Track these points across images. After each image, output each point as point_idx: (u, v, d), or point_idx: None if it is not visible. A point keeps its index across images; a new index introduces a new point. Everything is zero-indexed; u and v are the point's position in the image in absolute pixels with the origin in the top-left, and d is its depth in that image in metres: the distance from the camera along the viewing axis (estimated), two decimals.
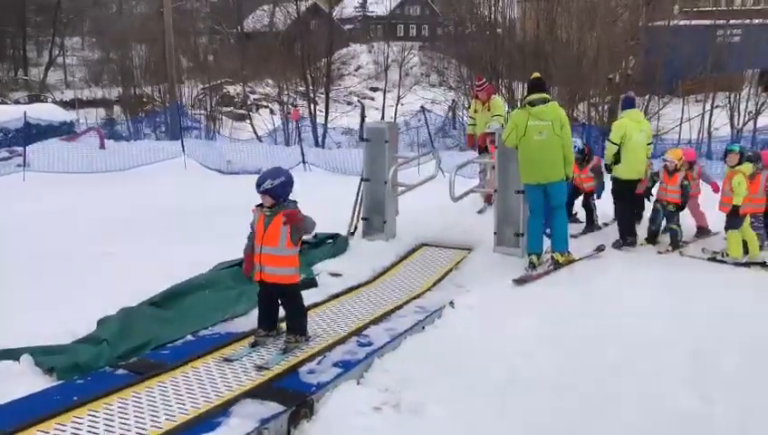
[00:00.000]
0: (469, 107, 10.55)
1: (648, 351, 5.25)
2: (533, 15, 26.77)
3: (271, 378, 4.43)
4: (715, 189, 8.62)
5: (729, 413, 4.28)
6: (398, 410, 4.38)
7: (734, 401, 4.43)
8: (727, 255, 7.82)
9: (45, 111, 22.24)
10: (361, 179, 8.58)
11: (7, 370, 4.39)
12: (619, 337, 5.54)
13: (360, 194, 8.66)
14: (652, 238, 8.47)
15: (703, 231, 8.78)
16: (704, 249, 8.24)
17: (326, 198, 12.45)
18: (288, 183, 5.12)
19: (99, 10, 46.67)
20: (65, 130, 21.81)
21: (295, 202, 5.17)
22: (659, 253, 8.24)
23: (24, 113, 18.18)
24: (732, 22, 21.52)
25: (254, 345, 5.07)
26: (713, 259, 7.91)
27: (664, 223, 8.49)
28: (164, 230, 10.20)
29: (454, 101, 30.02)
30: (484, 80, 10.46)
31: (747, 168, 7.90)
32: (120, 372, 4.45)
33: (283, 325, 5.27)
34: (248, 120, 28.39)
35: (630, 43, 22.13)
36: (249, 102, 32.88)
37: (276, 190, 5.02)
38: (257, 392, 4.16)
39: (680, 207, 8.34)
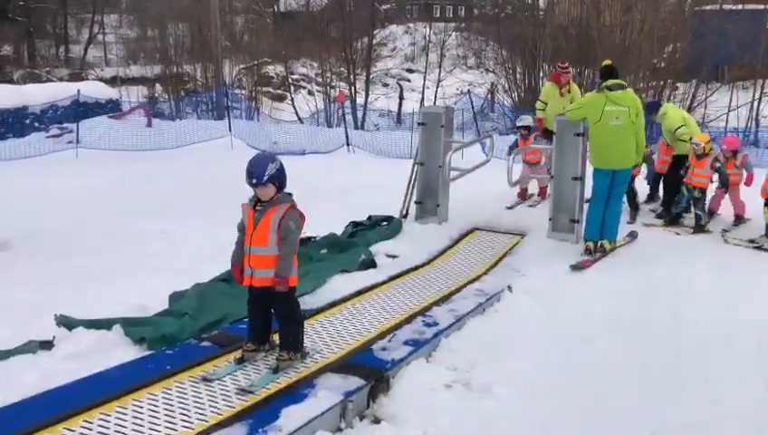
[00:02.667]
0: (543, 93, 10.41)
1: (710, 339, 5.32)
2: None
3: (349, 352, 4.62)
4: (749, 182, 8.63)
5: None
6: (468, 388, 4.54)
7: None
8: None
9: (92, 89, 22.70)
10: (415, 163, 8.70)
11: (101, 340, 4.65)
12: (679, 324, 5.63)
13: (413, 177, 8.80)
14: (674, 220, 8.55)
15: (740, 219, 8.80)
16: (724, 231, 8.30)
17: (372, 180, 12.73)
18: (284, 169, 4.38)
19: None
20: (111, 108, 22.26)
21: (291, 195, 4.42)
22: (677, 234, 8.37)
23: (78, 91, 18.60)
24: None
25: (240, 361, 4.39)
26: (758, 247, 7.90)
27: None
28: (216, 209, 10.44)
29: (493, 83, 29.93)
30: (568, 63, 10.41)
31: None
32: (205, 344, 4.68)
33: (277, 338, 4.56)
34: (288, 101, 28.60)
35: (674, 29, 21.80)
36: (287, 83, 33.12)
37: (279, 177, 4.30)
38: (338, 367, 4.34)
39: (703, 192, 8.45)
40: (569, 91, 9.78)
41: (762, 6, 21.16)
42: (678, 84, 20.84)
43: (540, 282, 6.59)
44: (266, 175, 4.21)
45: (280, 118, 23.41)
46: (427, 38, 31.54)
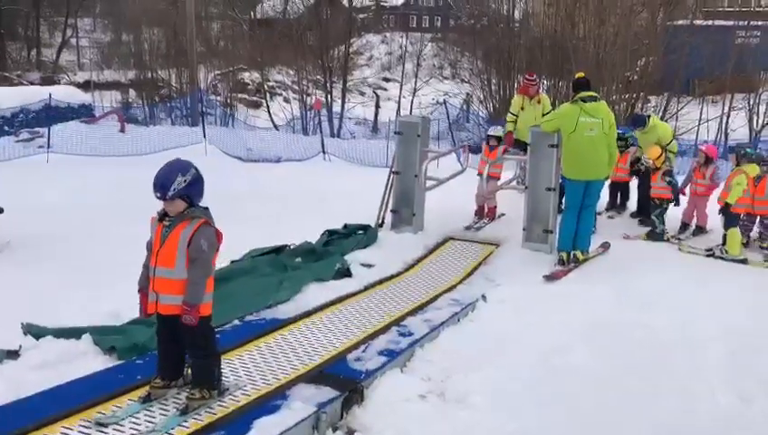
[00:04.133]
0: (513, 105, 10.39)
1: (682, 348, 5.39)
2: (550, 10, 26.78)
3: (324, 362, 4.58)
4: (708, 192, 8.88)
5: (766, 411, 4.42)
6: (443, 398, 4.53)
7: None
8: (726, 252, 7.97)
9: (64, 93, 22.34)
10: (392, 172, 8.70)
11: (70, 349, 4.56)
12: (652, 333, 5.68)
13: (389, 186, 8.79)
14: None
15: (701, 230, 8.94)
16: (678, 239, 8.51)
17: (348, 188, 12.69)
18: (201, 180, 3.86)
19: None
20: (84, 113, 21.94)
21: (207, 209, 3.91)
22: (625, 237, 8.59)
23: (50, 95, 18.33)
24: (753, 23, 21.52)
25: (146, 400, 3.87)
26: (710, 255, 8.06)
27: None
28: None
29: (468, 94, 30.09)
30: (535, 75, 10.50)
31: (752, 169, 8.08)
32: None
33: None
34: (263, 108, 28.50)
35: (645, 42, 22.14)
36: (263, 90, 32.97)
37: (191, 190, 3.79)
38: (311, 377, 4.30)
39: (668, 202, 8.63)
40: (538, 102, 9.86)
41: (730, 23, 21.62)
42: (650, 97, 21.17)
43: (514, 292, 6.62)
44: (172, 189, 3.70)
45: (255, 125, 23.27)
46: (404, 48, 31.66)
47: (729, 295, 6.66)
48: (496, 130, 9.58)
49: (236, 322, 5.34)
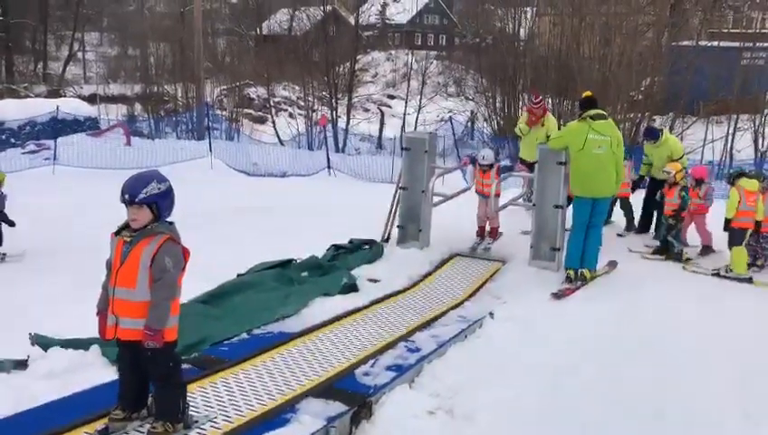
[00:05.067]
0: (521, 120, 10.43)
1: (687, 367, 5.36)
2: (555, 29, 26.92)
3: (333, 376, 4.56)
4: (702, 211, 8.93)
5: None
6: (451, 415, 4.51)
7: None
8: (731, 270, 7.95)
9: (71, 106, 22.48)
10: (399, 187, 8.71)
11: (77, 359, 4.54)
12: (659, 352, 5.66)
13: (395, 202, 8.80)
14: (665, 250, 8.69)
15: (707, 250, 8.89)
16: (686, 260, 8.46)
17: (353, 203, 12.71)
18: (172, 193, 3.59)
19: (118, 7, 47.30)
20: (90, 126, 22.08)
21: (172, 224, 3.64)
22: (644, 257, 8.61)
23: (57, 108, 18.43)
24: (758, 45, 21.63)
25: (103, 433, 3.62)
26: (716, 274, 8.03)
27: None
28: (196, 229, 10.33)
29: (473, 111, 30.16)
30: (541, 97, 10.52)
31: (748, 183, 8.06)
32: (185, 366, 4.57)
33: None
34: (269, 123, 28.61)
35: (651, 63, 22.22)
36: (269, 105, 33.10)
37: (163, 200, 3.53)
38: (320, 392, 4.27)
39: (676, 219, 8.61)
40: (542, 125, 9.86)
41: (735, 44, 21.72)
42: (655, 117, 21.22)
43: (521, 309, 6.60)
44: (143, 193, 3.44)
45: (260, 140, 23.34)
46: (409, 65, 31.83)
47: (735, 314, 6.65)
48: (487, 159, 8.76)
49: (244, 335, 5.33)
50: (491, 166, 8.66)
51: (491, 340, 5.89)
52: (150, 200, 3.47)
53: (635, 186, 9.76)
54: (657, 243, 9.01)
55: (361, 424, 4.16)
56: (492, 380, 5.04)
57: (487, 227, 8.95)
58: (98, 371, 4.49)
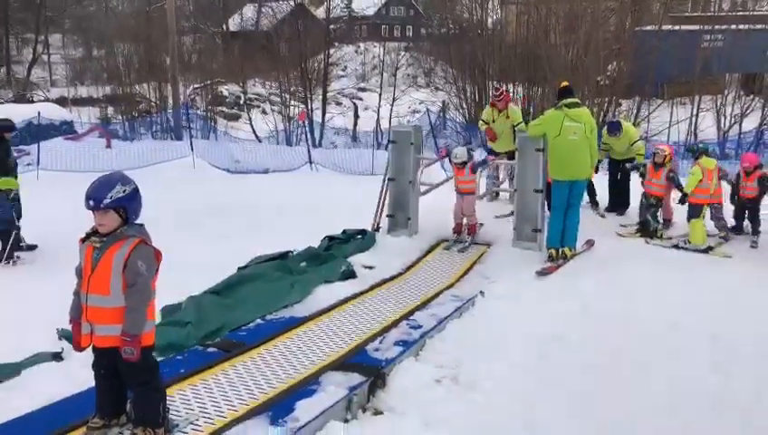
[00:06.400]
0: (483, 114, 10.82)
1: (662, 330, 5.90)
2: (522, 18, 27.51)
3: (347, 352, 5.01)
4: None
5: (745, 383, 4.94)
6: (456, 383, 4.96)
7: (749, 372, 5.09)
8: (689, 242, 8.53)
9: (45, 110, 22.45)
10: (387, 179, 9.14)
11: None
12: (639, 322, 6.17)
13: (383, 192, 9.23)
14: (644, 228, 9.22)
15: (668, 223, 9.59)
16: (660, 236, 8.99)
17: (337, 196, 13.14)
18: (138, 194, 3.55)
19: (81, 9, 46.64)
20: (66, 130, 22.06)
21: (142, 226, 3.59)
22: (620, 235, 9.15)
23: (39, 113, 18.49)
24: (717, 27, 22.43)
25: None
26: (675, 246, 8.64)
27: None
28: (187, 227, 10.70)
29: (444, 102, 30.68)
30: (503, 89, 10.95)
31: (708, 162, 8.76)
32: (211, 350, 5.00)
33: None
34: (244, 120, 28.82)
35: (615, 48, 22.89)
36: (241, 102, 33.26)
37: (130, 203, 3.47)
38: (339, 366, 4.72)
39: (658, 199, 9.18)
40: (507, 117, 10.20)
41: (696, 27, 22.50)
42: (622, 101, 21.93)
43: (509, 287, 7.10)
44: (108, 197, 3.37)
45: (237, 137, 23.59)
46: (381, 58, 32.26)
47: (701, 282, 7.24)
48: (460, 157, 8.84)
49: (259, 321, 5.74)
50: (464, 163, 8.76)
51: (484, 316, 6.36)
52: (116, 204, 3.41)
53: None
54: (631, 221, 9.60)
55: (377, 393, 4.61)
56: (488, 350, 5.50)
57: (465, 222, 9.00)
58: None
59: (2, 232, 8.71)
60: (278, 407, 4.06)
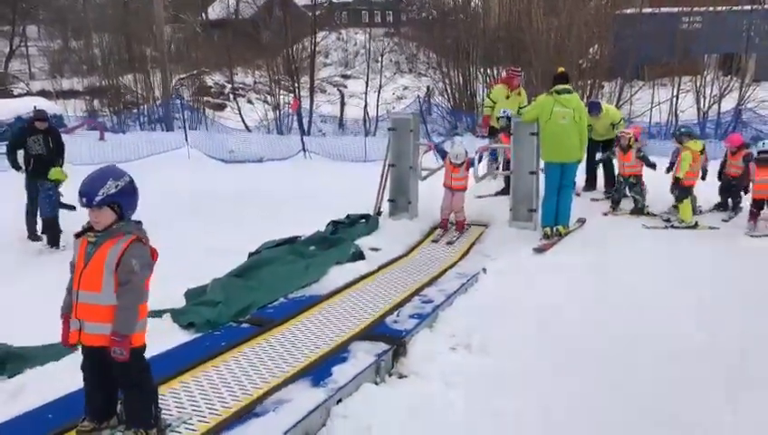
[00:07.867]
0: (490, 93, 11.25)
1: (653, 300, 6.41)
2: (504, 1, 27.90)
3: (369, 325, 5.49)
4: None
5: (730, 340, 5.47)
6: (469, 350, 5.45)
7: (734, 331, 5.63)
8: (682, 221, 9.08)
9: (33, 104, 22.53)
10: (388, 165, 9.57)
11: (156, 326, 5.32)
12: (627, 290, 6.69)
13: (384, 177, 9.67)
14: (615, 205, 9.79)
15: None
16: (647, 213, 9.48)
17: (333, 182, 13.54)
18: (135, 191, 3.47)
19: None
20: (56, 124, 22.15)
21: (139, 223, 3.53)
22: (604, 214, 9.63)
23: (35, 107, 18.57)
24: (695, 9, 22.98)
25: None
26: (666, 225, 9.14)
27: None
28: (189, 217, 11.09)
29: (429, 87, 31.02)
30: (520, 68, 11.50)
31: (695, 145, 9.24)
32: (244, 325, 5.44)
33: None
34: (230, 110, 28.95)
35: (595, 30, 23.36)
36: (227, 92, 33.35)
37: (123, 198, 3.39)
38: (364, 336, 5.19)
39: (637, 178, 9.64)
40: (518, 94, 10.73)
41: (676, 9, 23.03)
42: (604, 84, 22.41)
43: (509, 264, 7.60)
44: (100, 194, 3.29)
45: (227, 127, 23.82)
46: (367, 45, 32.48)
47: (690, 255, 7.78)
48: (460, 158, 8.91)
49: (282, 300, 6.19)
50: (463, 163, 8.90)
51: (488, 290, 6.85)
52: (109, 201, 3.33)
53: None
54: (601, 195, 10.36)
55: (400, 359, 5.08)
56: (494, 321, 5.98)
57: (452, 219, 9.03)
58: (176, 334, 5.30)
59: (52, 220, 9.13)
60: (317, 371, 4.52)
